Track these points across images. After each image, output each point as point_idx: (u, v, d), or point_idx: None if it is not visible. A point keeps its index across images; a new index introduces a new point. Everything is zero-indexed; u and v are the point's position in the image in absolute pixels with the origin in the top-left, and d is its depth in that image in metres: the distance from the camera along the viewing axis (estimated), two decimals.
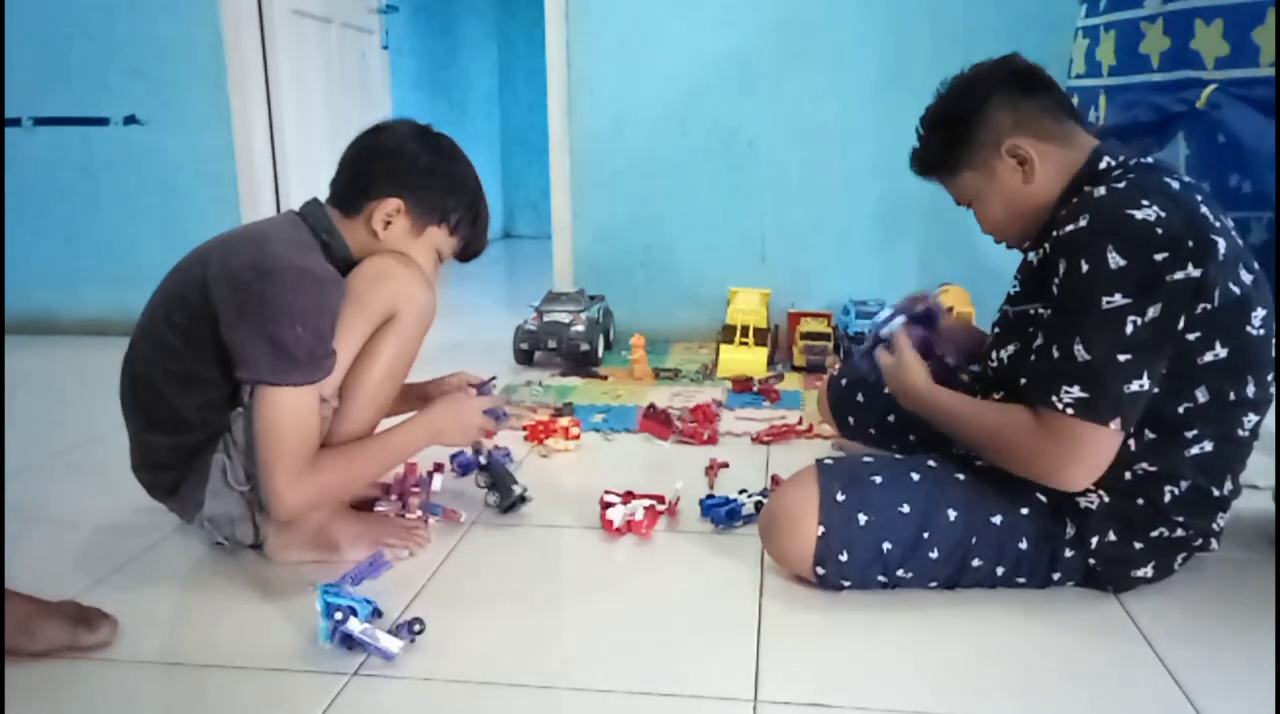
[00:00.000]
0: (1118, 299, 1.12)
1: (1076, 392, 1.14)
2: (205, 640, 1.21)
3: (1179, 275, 1.12)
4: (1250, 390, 1.21)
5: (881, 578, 1.27)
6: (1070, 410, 1.15)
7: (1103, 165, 1.25)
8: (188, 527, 1.45)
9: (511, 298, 3.96)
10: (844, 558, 1.25)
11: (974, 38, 2.97)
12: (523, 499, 1.63)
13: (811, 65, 2.94)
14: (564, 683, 1.12)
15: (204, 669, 1.14)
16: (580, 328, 2.68)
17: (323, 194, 1.46)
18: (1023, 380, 1.23)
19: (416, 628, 1.17)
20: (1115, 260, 1.12)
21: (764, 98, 2.98)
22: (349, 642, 1.14)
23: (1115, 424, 1.15)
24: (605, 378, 2.61)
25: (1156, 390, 1.17)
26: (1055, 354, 1.17)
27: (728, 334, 2.69)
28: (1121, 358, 1.13)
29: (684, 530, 1.55)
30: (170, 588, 1.37)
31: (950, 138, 1.33)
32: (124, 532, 1.54)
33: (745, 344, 2.66)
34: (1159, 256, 1.12)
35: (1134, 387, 1.14)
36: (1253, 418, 1.23)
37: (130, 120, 3.18)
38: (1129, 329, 1.12)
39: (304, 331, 1.25)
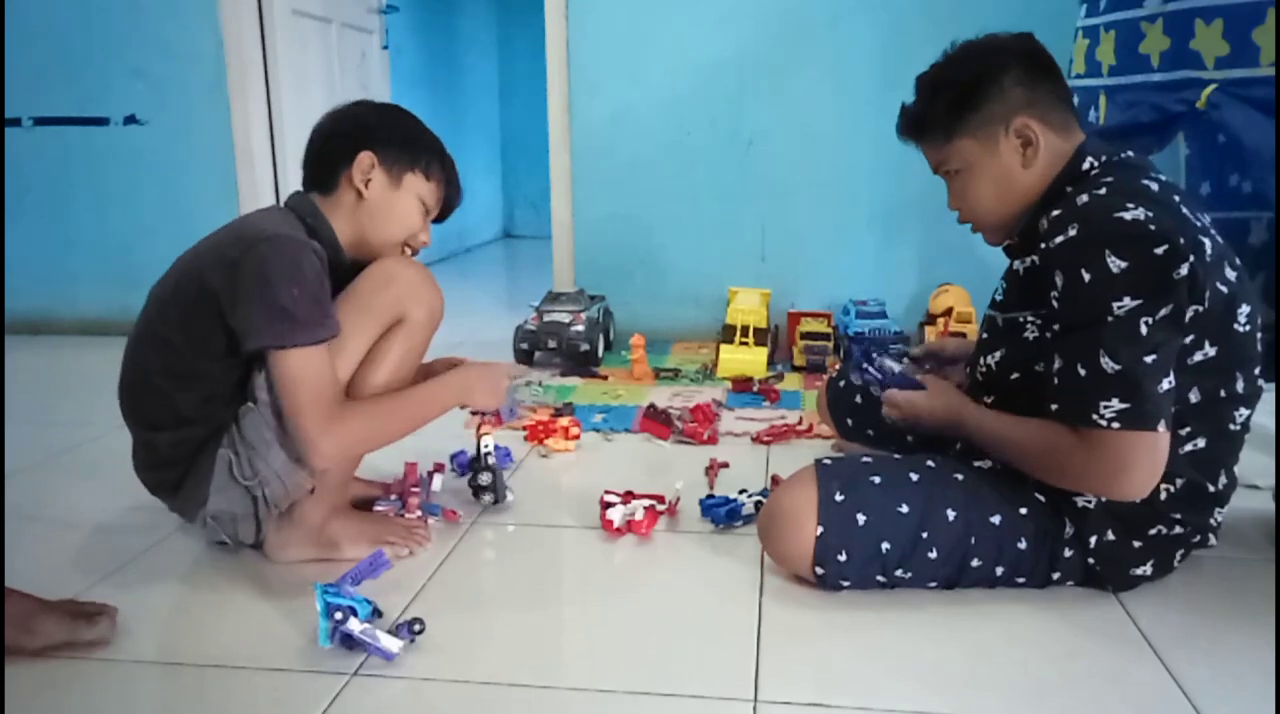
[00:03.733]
0: (1128, 302, 1.12)
1: (1117, 404, 1.13)
2: (205, 640, 1.21)
3: (1183, 270, 1.12)
4: (1240, 386, 1.21)
5: (881, 578, 1.28)
6: (1116, 424, 1.13)
7: (1085, 166, 1.25)
8: (188, 526, 1.45)
9: (511, 298, 3.96)
10: (843, 558, 1.25)
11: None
12: (498, 501, 1.64)
13: (811, 65, 2.94)
14: (564, 683, 1.12)
15: (204, 669, 1.14)
16: (580, 328, 2.68)
17: None
18: (1053, 405, 1.20)
19: (416, 628, 1.17)
20: (1116, 263, 1.11)
21: (764, 98, 2.98)
22: (349, 642, 1.14)
23: (1161, 426, 1.14)
24: (605, 378, 2.61)
25: None
26: (1082, 371, 1.15)
27: (728, 334, 2.69)
28: (1149, 360, 1.12)
29: (684, 530, 1.55)
30: (170, 588, 1.37)
31: (957, 101, 1.28)
32: (124, 531, 1.54)
33: (745, 344, 2.66)
34: (1158, 250, 1.11)
35: (1164, 385, 1.13)
36: (1243, 412, 1.24)
37: (130, 120, 3.18)
38: (1144, 330, 1.12)
39: (300, 292, 1.26)
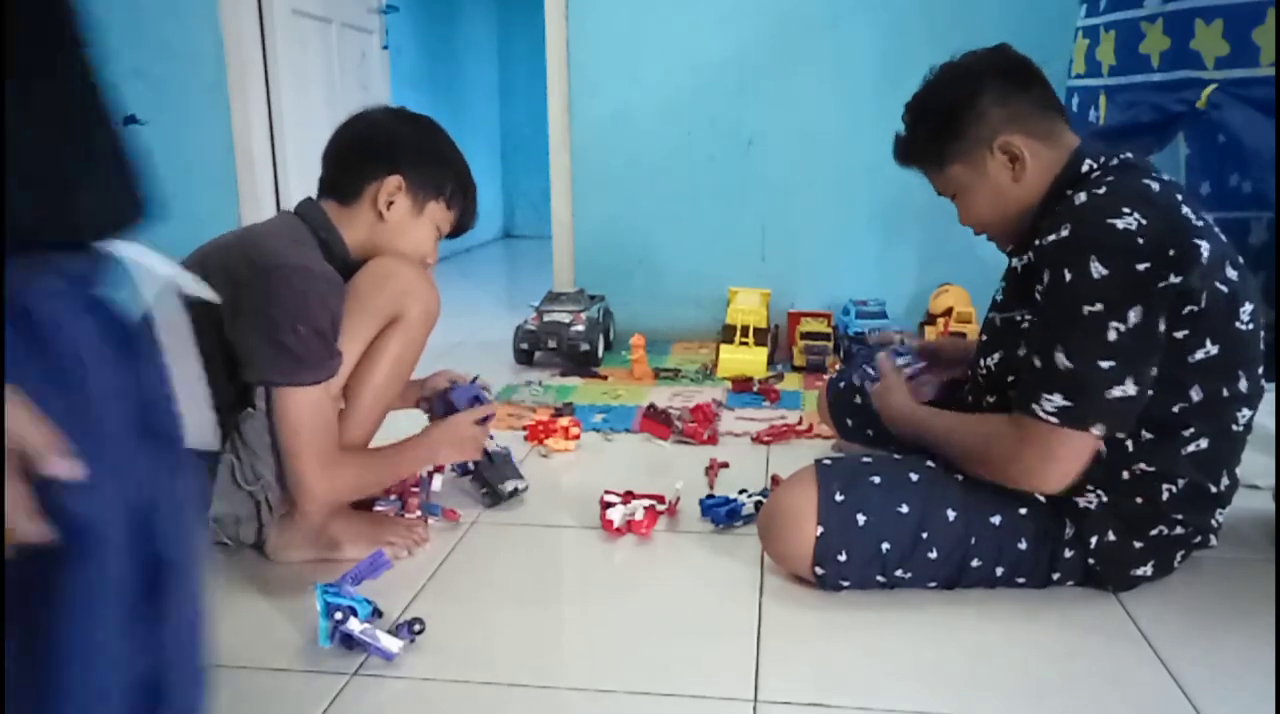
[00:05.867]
0: (1099, 308, 1.13)
1: (1059, 400, 1.15)
2: None
3: (1161, 284, 1.13)
4: (1243, 385, 1.21)
5: (880, 578, 1.28)
6: (1054, 418, 1.15)
7: (1084, 168, 1.25)
8: None
9: (511, 298, 3.96)
10: (843, 558, 1.25)
11: (973, 37, 2.94)
12: (516, 491, 1.64)
13: (811, 65, 2.94)
14: (564, 683, 1.12)
15: None
16: (580, 328, 2.67)
17: None
18: (1011, 391, 1.23)
19: (416, 628, 1.17)
20: (1098, 270, 1.12)
21: (764, 98, 2.98)
22: (349, 642, 1.14)
23: (1098, 429, 1.15)
24: (605, 378, 2.61)
25: (1150, 394, 1.17)
26: (1038, 363, 1.17)
27: (728, 334, 2.69)
28: (1104, 365, 1.13)
29: (684, 530, 1.55)
30: None
31: (939, 129, 1.31)
32: None
33: (745, 344, 2.66)
34: (1141, 266, 1.12)
35: (1116, 392, 1.14)
36: (1246, 412, 1.24)
37: (130, 120, 3.15)
38: (1111, 336, 1.13)
39: (305, 331, 1.25)
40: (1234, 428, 1.23)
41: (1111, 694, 1.09)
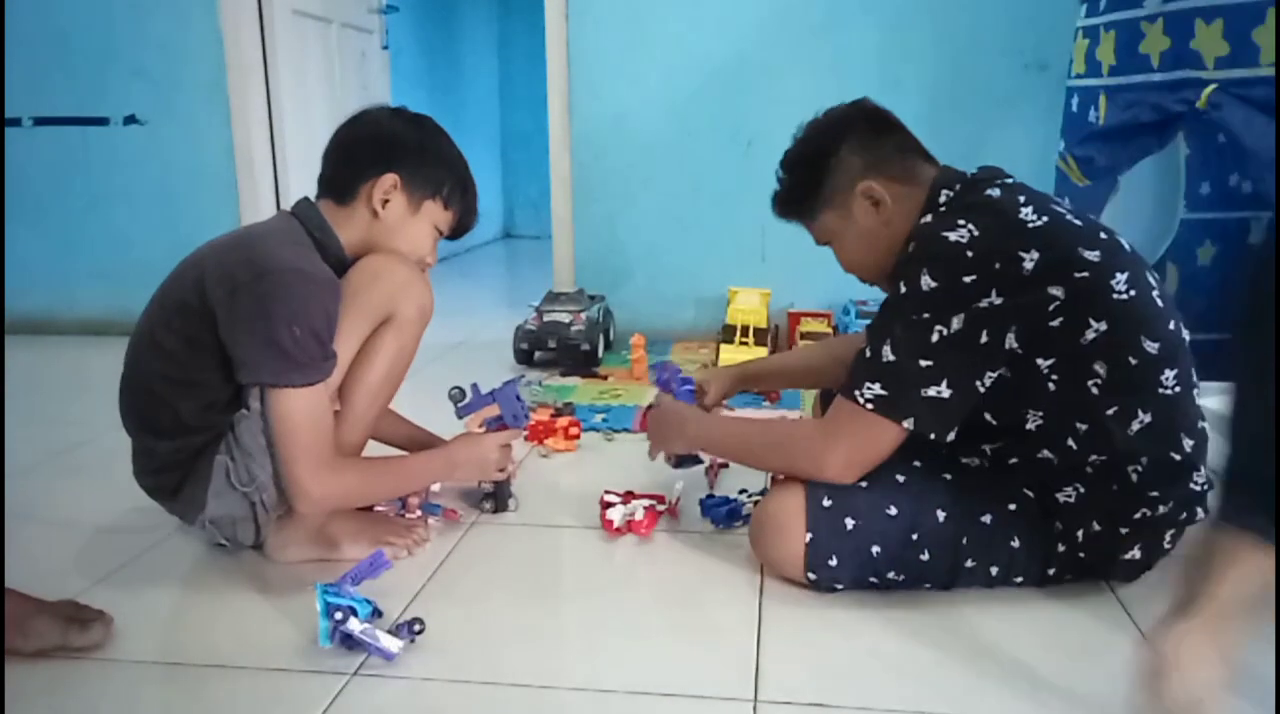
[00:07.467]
0: (926, 316, 1.18)
1: (878, 388, 1.20)
2: (205, 640, 1.21)
3: (983, 303, 1.16)
4: (1151, 347, 1.20)
5: (873, 579, 1.28)
6: (870, 405, 1.21)
7: (941, 198, 1.29)
8: (188, 526, 1.45)
9: (511, 298, 3.96)
10: (834, 563, 1.26)
11: (974, 38, 2.97)
12: (516, 506, 1.64)
13: (811, 65, 2.94)
14: (564, 683, 1.12)
15: (204, 669, 1.14)
16: (580, 328, 2.68)
17: None
18: None
19: (416, 628, 1.17)
20: (927, 282, 1.18)
21: (764, 98, 2.97)
22: (349, 642, 1.14)
23: (908, 423, 1.20)
24: (605, 378, 2.61)
25: (985, 395, 1.21)
26: (867, 354, 1.23)
27: (728, 334, 2.69)
28: (922, 364, 1.18)
29: (684, 530, 1.56)
30: (170, 588, 1.37)
31: (807, 179, 1.38)
32: (124, 532, 1.54)
33: (745, 344, 2.66)
34: (967, 278, 1.16)
35: (931, 392, 1.18)
36: (1169, 372, 1.22)
37: (130, 120, 3.18)
38: (934, 338, 1.18)
39: (301, 333, 1.25)
40: (1162, 391, 1.22)
41: (1112, 693, 1.09)
